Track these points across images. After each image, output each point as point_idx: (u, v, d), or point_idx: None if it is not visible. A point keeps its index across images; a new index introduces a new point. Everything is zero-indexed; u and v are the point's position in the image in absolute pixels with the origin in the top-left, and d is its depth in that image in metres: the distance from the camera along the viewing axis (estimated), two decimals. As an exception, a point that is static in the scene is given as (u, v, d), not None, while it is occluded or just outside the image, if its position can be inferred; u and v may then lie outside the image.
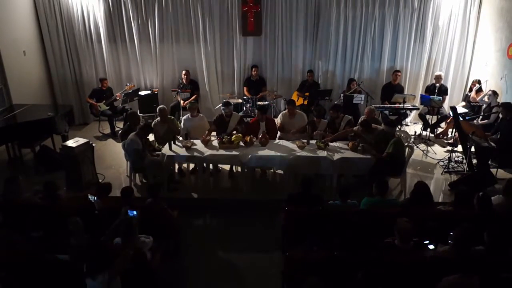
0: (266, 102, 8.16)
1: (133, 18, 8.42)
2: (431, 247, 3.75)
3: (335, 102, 7.52)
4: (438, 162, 6.87)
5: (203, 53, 8.64)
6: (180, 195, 5.93)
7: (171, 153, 5.87)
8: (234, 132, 6.29)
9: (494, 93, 7.11)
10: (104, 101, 8.15)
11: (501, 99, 7.17)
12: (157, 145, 6.35)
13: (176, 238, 4.73)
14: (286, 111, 6.77)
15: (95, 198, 4.46)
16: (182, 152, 5.90)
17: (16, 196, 4.52)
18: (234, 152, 5.85)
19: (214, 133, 6.50)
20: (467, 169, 6.29)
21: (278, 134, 6.62)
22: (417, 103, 8.23)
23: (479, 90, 7.63)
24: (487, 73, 7.90)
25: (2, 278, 3.37)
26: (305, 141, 6.02)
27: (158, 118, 6.49)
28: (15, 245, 3.72)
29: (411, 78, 8.71)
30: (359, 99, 7.65)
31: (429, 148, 7.47)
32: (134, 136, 5.74)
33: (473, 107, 7.61)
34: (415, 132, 7.98)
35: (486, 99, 7.27)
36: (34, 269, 3.50)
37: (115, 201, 4.65)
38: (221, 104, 6.84)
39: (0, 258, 3.57)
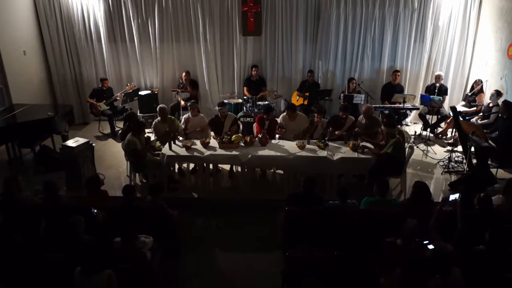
0: (266, 102, 8.15)
1: (133, 18, 8.42)
2: (431, 247, 3.75)
3: (345, 103, 7.39)
4: (438, 162, 6.87)
5: (203, 53, 8.64)
6: (180, 195, 5.92)
7: (171, 153, 5.87)
8: (229, 132, 6.29)
9: (498, 93, 7.10)
10: (104, 101, 8.15)
11: (501, 100, 7.16)
12: (157, 145, 6.35)
13: (176, 238, 4.73)
14: (286, 114, 6.74)
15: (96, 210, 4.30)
16: (182, 152, 5.90)
17: (16, 195, 4.51)
18: (234, 152, 5.85)
19: (212, 133, 6.50)
20: (467, 169, 6.29)
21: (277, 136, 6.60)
22: (417, 103, 8.23)
23: (481, 91, 7.63)
24: (487, 73, 7.90)
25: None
26: (305, 141, 6.02)
27: (159, 118, 6.49)
28: (15, 244, 3.71)
29: (411, 78, 8.71)
30: (359, 99, 7.66)
31: (429, 148, 7.46)
32: (131, 136, 5.73)
33: (474, 108, 7.61)
34: (415, 132, 7.98)
35: (489, 99, 7.27)
36: (34, 269, 3.50)
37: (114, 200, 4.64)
38: (216, 106, 6.82)
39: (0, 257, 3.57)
